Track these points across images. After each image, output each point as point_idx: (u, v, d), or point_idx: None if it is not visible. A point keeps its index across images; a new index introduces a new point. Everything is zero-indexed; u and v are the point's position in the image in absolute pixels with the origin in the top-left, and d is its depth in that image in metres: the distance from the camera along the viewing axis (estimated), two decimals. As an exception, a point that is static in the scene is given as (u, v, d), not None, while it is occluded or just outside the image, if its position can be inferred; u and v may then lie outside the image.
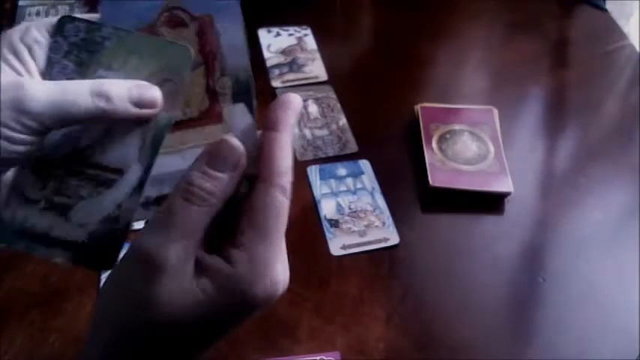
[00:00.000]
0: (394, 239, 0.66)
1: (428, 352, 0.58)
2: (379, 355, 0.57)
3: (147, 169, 0.33)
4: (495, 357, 0.58)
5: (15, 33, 0.33)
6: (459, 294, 0.62)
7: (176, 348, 0.31)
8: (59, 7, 0.88)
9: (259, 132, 0.35)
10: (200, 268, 0.31)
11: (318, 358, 0.57)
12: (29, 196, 0.34)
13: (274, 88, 0.82)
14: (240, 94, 0.35)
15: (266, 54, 0.87)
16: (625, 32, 0.94)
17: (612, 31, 0.95)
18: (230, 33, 0.34)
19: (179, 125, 0.35)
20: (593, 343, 0.59)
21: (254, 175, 0.33)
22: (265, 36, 0.90)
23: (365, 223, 0.67)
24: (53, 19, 0.34)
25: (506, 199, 0.70)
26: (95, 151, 0.33)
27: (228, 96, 0.35)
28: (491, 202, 0.70)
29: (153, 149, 0.33)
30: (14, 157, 0.32)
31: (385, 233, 0.66)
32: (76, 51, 0.33)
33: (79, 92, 0.32)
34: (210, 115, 0.35)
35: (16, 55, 0.32)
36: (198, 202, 0.31)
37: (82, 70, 0.33)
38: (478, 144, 0.74)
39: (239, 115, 0.35)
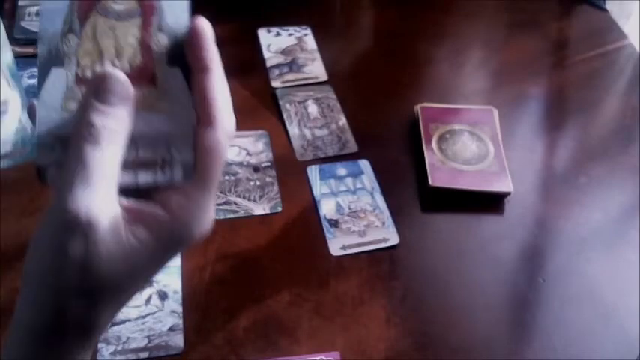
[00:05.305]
0: (394, 239, 0.66)
1: (428, 352, 0.58)
2: (379, 355, 0.57)
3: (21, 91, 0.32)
4: (495, 357, 0.58)
5: None
6: (458, 294, 0.62)
7: (111, 299, 0.31)
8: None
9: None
10: (134, 216, 0.30)
11: (318, 358, 0.56)
12: None
13: (274, 88, 0.82)
14: (175, 57, 0.32)
15: (266, 54, 0.87)
16: (625, 32, 0.94)
17: (612, 31, 0.95)
18: None
19: None
20: (593, 343, 0.59)
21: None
22: (265, 36, 0.90)
23: (365, 223, 0.67)
24: None
25: (506, 199, 0.70)
26: None
27: (163, 56, 0.32)
28: (491, 202, 0.70)
29: (13, 78, 0.32)
30: None
31: (385, 233, 0.66)
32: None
33: None
34: (142, 75, 0.32)
35: None
36: (106, 142, 0.29)
37: None
38: (478, 144, 0.74)
39: (174, 82, 0.32)
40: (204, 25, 0.31)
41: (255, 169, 0.72)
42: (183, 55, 0.31)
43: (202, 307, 0.60)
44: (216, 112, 0.31)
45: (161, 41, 0.32)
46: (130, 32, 0.32)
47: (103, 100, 0.30)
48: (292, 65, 0.85)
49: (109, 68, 0.31)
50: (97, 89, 0.30)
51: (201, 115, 0.31)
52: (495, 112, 0.78)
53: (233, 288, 0.61)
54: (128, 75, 0.31)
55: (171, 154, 0.31)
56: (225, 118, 0.32)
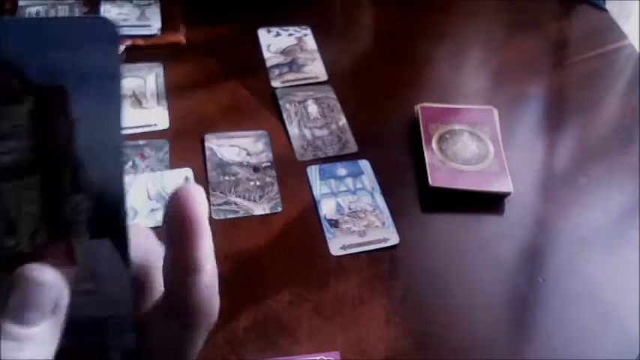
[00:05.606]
0: (394, 239, 0.66)
1: (428, 352, 0.58)
2: (379, 355, 0.57)
3: None
4: (495, 357, 0.57)
5: None
6: (458, 294, 0.62)
7: None
8: (59, 7, 0.88)
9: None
10: None
11: (317, 358, 0.56)
12: None
13: (274, 88, 0.82)
14: (104, 222, 0.22)
15: (266, 54, 0.87)
16: (625, 32, 0.94)
17: (612, 31, 0.95)
18: (97, 117, 0.21)
19: None
20: (593, 343, 0.59)
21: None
22: (265, 36, 0.90)
23: (365, 223, 0.67)
24: None
25: (506, 199, 0.70)
26: None
27: (82, 224, 0.22)
28: (491, 202, 0.70)
29: None
30: None
31: (385, 233, 0.66)
32: None
33: None
34: (52, 255, 0.22)
35: None
36: None
37: None
38: (478, 144, 0.74)
39: (102, 256, 0.22)
40: (199, 205, 0.21)
41: (255, 169, 0.72)
42: (117, 217, 0.22)
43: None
44: (196, 315, 0.25)
45: (78, 205, 0.21)
46: (25, 198, 0.21)
47: (19, 322, 0.20)
48: (292, 65, 0.85)
49: (28, 268, 0.21)
50: (9, 304, 0.20)
51: (175, 309, 0.25)
52: (495, 112, 0.78)
53: (233, 288, 0.61)
54: (31, 256, 0.21)
55: (108, 341, 0.24)
56: (215, 316, 0.25)
